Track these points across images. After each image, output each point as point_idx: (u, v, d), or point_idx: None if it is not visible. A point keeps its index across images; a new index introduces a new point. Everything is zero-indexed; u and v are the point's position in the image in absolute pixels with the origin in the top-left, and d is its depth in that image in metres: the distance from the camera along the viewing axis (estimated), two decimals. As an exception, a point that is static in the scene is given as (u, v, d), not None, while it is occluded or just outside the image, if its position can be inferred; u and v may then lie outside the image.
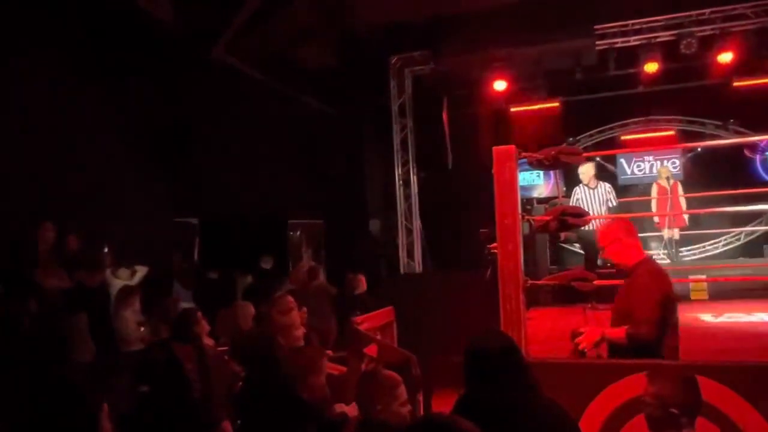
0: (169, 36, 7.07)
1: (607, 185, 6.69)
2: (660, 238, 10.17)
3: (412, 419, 2.54)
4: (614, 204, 6.55)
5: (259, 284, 7.99)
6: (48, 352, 4.26)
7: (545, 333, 4.96)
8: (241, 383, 3.28)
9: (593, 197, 6.56)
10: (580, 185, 6.72)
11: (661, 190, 9.39)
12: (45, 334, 4.57)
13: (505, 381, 2.15)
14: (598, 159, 12.41)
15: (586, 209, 6.49)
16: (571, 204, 6.65)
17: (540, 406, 2.17)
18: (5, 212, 5.28)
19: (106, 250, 6.20)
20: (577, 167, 6.89)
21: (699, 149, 12.00)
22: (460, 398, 2.29)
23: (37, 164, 5.69)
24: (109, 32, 6.41)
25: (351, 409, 3.00)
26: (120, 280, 6.15)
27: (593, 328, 3.44)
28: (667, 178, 9.50)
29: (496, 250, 6.27)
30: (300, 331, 3.58)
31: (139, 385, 2.76)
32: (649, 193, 9.75)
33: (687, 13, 8.63)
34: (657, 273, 3.38)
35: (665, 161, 12.03)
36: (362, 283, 7.51)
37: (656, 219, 9.74)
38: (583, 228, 6.64)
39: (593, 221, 6.45)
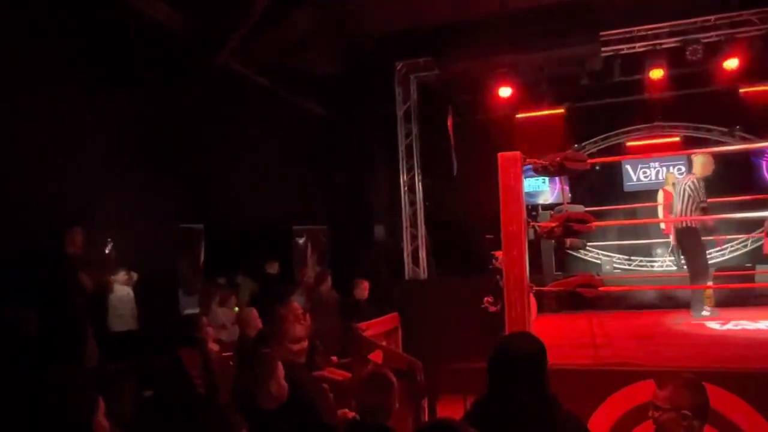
0: (174, 42, 7.11)
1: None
2: (667, 245, 10.12)
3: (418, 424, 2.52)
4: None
5: (267, 290, 7.99)
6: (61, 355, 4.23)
7: (550, 340, 4.93)
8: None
9: (703, 189, 6.30)
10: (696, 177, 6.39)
11: (668, 196, 9.32)
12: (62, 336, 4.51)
13: (527, 387, 2.11)
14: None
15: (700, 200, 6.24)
16: (689, 193, 6.32)
17: (558, 416, 2.14)
18: (7, 217, 5.25)
19: (108, 251, 6.20)
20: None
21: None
22: (479, 399, 2.26)
23: (41, 168, 5.69)
24: (115, 40, 6.44)
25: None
26: (118, 283, 6.17)
27: None
28: (674, 184, 9.44)
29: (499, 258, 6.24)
30: (303, 343, 3.55)
31: (145, 389, 2.76)
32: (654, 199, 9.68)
33: (692, 20, 8.63)
34: None
35: (671, 167, 12.00)
36: (364, 289, 7.51)
37: (662, 225, 9.69)
38: (680, 226, 6.40)
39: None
